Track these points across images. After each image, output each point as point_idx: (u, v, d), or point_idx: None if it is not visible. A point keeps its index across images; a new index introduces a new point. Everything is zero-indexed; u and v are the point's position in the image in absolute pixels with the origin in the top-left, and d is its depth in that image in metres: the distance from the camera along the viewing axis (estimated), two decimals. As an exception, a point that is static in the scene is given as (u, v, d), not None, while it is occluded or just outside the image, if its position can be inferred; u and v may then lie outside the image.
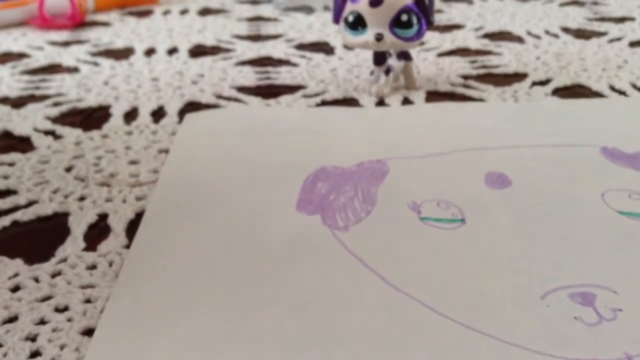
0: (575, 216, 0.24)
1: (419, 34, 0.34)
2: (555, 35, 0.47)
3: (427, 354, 0.18)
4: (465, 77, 0.39)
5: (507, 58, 0.42)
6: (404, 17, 0.33)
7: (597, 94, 0.36)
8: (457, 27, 0.50)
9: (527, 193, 0.25)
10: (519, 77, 0.39)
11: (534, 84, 0.38)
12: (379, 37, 0.33)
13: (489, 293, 0.20)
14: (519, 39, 0.46)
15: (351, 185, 0.26)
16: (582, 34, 0.47)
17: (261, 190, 0.26)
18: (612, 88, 0.37)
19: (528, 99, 0.35)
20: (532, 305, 0.19)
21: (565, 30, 0.48)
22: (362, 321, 0.19)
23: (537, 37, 0.47)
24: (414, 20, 0.33)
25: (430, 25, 0.34)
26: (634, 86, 0.37)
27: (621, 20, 0.51)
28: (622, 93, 0.36)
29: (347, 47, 0.44)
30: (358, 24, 0.34)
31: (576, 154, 0.28)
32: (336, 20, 0.35)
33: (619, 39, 0.46)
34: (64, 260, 0.22)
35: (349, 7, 0.34)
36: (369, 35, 0.34)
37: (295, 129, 0.31)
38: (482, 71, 0.40)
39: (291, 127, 0.31)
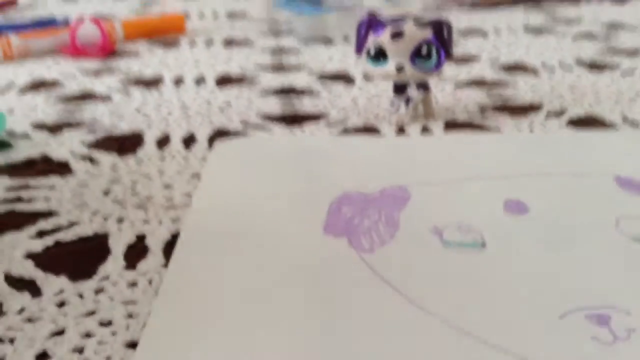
0: (591, 242, 0.25)
1: (439, 66, 0.36)
2: (569, 68, 0.48)
3: (452, 369, 0.19)
4: (482, 108, 0.40)
5: (522, 89, 0.43)
6: (424, 50, 0.35)
7: (611, 125, 0.37)
8: (473, 59, 0.51)
9: (544, 219, 0.26)
10: (534, 108, 0.40)
11: (549, 115, 0.39)
12: (400, 68, 0.35)
13: (511, 313, 0.21)
14: (534, 71, 0.48)
15: (374, 209, 0.27)
16: (595, 67, 0.49)
17: (289, 214, 0.27)
18: (625, 119, 0.38)
19: (543, 129, 0.36)
20: (552, 325, 0.20)
21: (579, 62, 0.50)
22: (390, 341, 0.20)
23: (552, 69, 0.48)
24: (434, 52, 0.35)
25: (450, 57, 0.36)
26: (647, 117, 0.38)
27: (634, 53, 0.52)
28: (635, 124, 0.37)
29: (367, 78, 0.45)
30: (380, 55, 0.35)
31: (591, 182, 0.29)
32: (359, 51, 0.37)
33: (632, 72, 0.47)
34: (106, 277, 0.23)
35: (371, 39, 0.36)
36: (390, 66, 0.35)
37: (320, 157, 0.32)
38: (498, 102, 0.41)
39: (315, 154, 0.33)
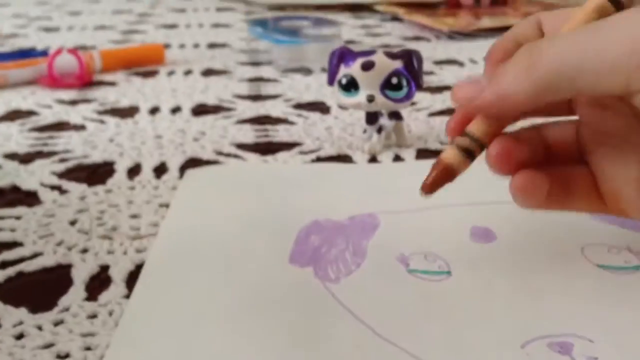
0: (556, 269, 0.25)
1: (409, 96, 0.36)
2: (543, 96, 0.49)
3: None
4: (455, 136, 0.40)
5: (495, 118, 0.44)
6: (394, 80, 0.35)
7: (581, 153, 0.37)
8: (448, 88, 0.52)
9: (510, 247, 0.26)
10: (506, 136, 0.40)
11: (521, 142, 0.39)
12: (371, 99, 0.35)
13: (473, 342, 0.21)
14: (508, 100, 0.48)
15: (343, 238, 0.27)
16: (568, 95, 0.49)
17: (257, 243, 0.27)
18: (596, 147, 0.38)
19: (515, 157, 0.37)
20: (514, 354, 0.20)
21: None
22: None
23: (525, 97, 0.49)
24: (404, 82, 0.35)
25: (420, 88, 0.36)
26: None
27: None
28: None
29: (342, 107, 0.46)
30: (351, 86, 0.36)
31: (557, 210, 0.29)
32: (330, 82, 0.37)
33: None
34: (67, 309, 0.23)
35: (342, 70, 0.36)
36: (361, 96, 0.35)
37: (291, 184, 0.32)
38: (471, 130, 0.41)
39: (287, 182, 0.33)
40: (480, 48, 0.66)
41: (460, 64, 0.60)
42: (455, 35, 0.71)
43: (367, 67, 0.35)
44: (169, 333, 0.21)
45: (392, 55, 0.36)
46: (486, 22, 0.77)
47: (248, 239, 0.27)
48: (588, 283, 0.24)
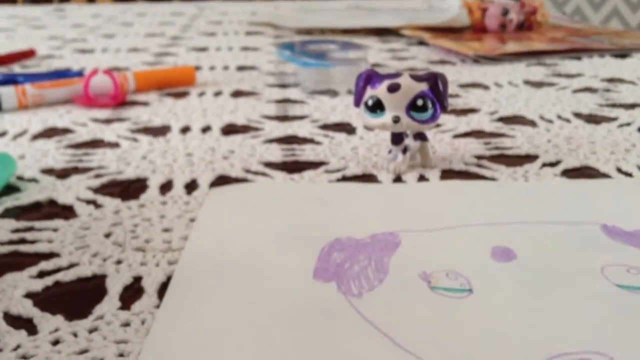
0: (576, 288, 0.25)
1: (434, 117, 0.37)
2: (567, 120, 0.49)
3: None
4: (479, 157, 0.41)
5: (519, 140, 0.44)
6: (420, 102, 0.36)
7: (605, 175, 0.38)
8: (472, 110, 0.53)
9: (531, 266, 0.27)
10: (530, 158, 0.41)
11: (544, 165, 0.40)
12: (396, 120, 0.36)
13: (494, 357, 0.21)
14: (532, 123, 0.49)
15: (365, 255, 0.28)
16: (593, 119, 0.50)
17: (280, 258, 0.28)
18: (619, 170, 0.39)
19: (538, 178, 0.37)
20: (533, 370, 0.21)
21: (577, 115, 0.51)
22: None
23: (550, 121, 0.49)
24: (429, 104, 0.36)
25: (445, 110, 0.37)
26: (641, 169, 0.39)
27: (631, 106, 0.53)
28: (628, 175, 0.38)
29: (367, 128, 0.47)
30: (377, 107, 0.37)
31: (578, 230, 0.30)
32: (357, 104, 0.38)
33: (628, 124, 0.48)
34: (101, 317, 0.24)
35: (368, 92, 0.37)
36: (387, 118, 0.36)
37: (315, 202, 0.33)
38: (495, 152, 0.42)
39: (311, 200, 0.34)
40: (505, 72, 0.67)
41: (485, 87, 0.61)
42: (480, 59, 0.72)
43: (393, 89, 0.36)
44: (196, 342, 0.22)
45: (417, 78, 0.36)
46: (512, 46, 0.78)
47: (272, 254, 0.28)
48: (608, 302, 0.24)
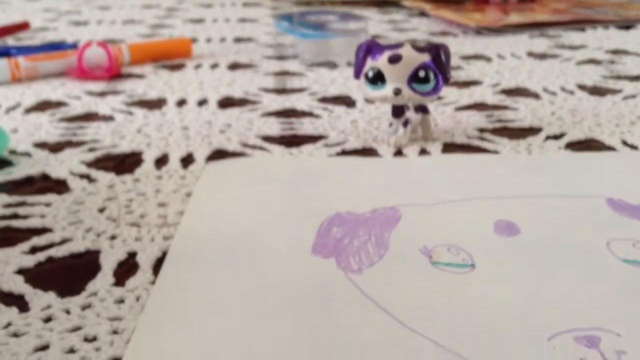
0: (581, 263, 0.24)
1: (436, 89, 0.36)
2: (571, 92, 0.48)
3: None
4: (481, 130, 0.40)
5: (522, 113, 0.43)
6: (422, 73, 0.35)
7: (610, 149, 0.37)
8: (475, 83, 0.51)
9: (534, 241, 0.26)
10: (533, 131, 0.40)
11: (548, 137, 0.39)
12: (397, 92, 0.35)
13: (498, 333, 0.21)
14: (535, 95, 0.48)
15: (365, 230, 0.27)
16: (597, 91, 0.49)
17: (278, 234, 0.27)
18: (625, 143, 0.38)
19: (541, 152, 0.36)
20: (539, 347, 0.20)
21: (581, 87, 0.50)
22: (375, 359, 0.20)
23: (553, 93, 0.48)
24: (431, 76, 0.35)
25: (447, 81, 0.36)
26: (646, 141, 0.38)
27: (636, 78, 0.52)
28: (634, 148, 0.37)
29: (368, 101, 0.46)
30: (378, 79, 0.36)
31: (583, 204, 0.29)
32: (357, 75, 0.37)
33: (633, 96, 0.47)
34: (94, 294, 0.23)
35: (369, 64, 0.36)
36: (387, 89, 0.35)
37: (314, 177, 0.33)
38: (497, 125, 0.41)
39: (310, 174, 0.33)
40: (508, 44, 0.65)
41: (487, 59, 0.59)
42: (482, 30, 0.71)
43: (395, 60, 0.35)
44: (192, 319, 0.22)
45: (419, 49, 0.35)
46: (514, 18, 0.76)
47: (270, 229, 0.27)
48: (614, 277, 0.23)
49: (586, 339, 0.20)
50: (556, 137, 0.39)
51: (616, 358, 0.20)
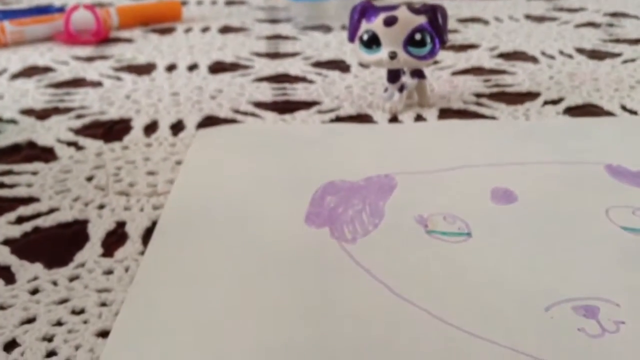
0: (580, 231, 0.24)
1: (432, 53, 0.35)
2: (570, 56, 0.47)
3: (428, 362, 0.18)
4: (478, 95, 0.39)
5: (520, 77, 0.43)
6: (418, 36, 0.34)
7: (609, 114, 0.36)
8: (472, 46, 0.50)
9: (532, 209, 0.25)
10: (531, 95, 0.39)
11: (546, 102, 0.38)
12: (393, 56, 0.34)
13: (494, 303, 0.20)
14: (533, 59, 0.47)
15: (359, 198, 0.26)
16: (596, 55, 0.48)
17: (271, 203, 0.26)
18: (624, 108, 0.37)
19: (539, 117, 0.36)
20: (537, 317, 0.20)
21: (580, 51, 0.49)
22: (369, 329, 0.19)
23: (552, 57, 0.47)
24: (428, 39, 0.34)
25: (444, 45, 0.35)
26: (646, 106, 0.37)
27: (636, 41, 0.51)
28: (633, 113, 0.36)
29: (362, 65, 0.45)
30: (373, 42, 0.35)
31: (581, 171, 0.28)
32: (351, 38, 0.36)
33: (632, 60, 0.46)
34: (82, 265, 0.23)
35: (364, 26, 0.35)
36: (383, 53, 0.34)
37: (307, 144, 0.32)
38: (495, 90, 0.40)
39: (303, 142, 0.32)
40: (505, 6, 0.64)
41: (485, 22, 0.58)
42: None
43: (390, 22, 0.34)
44: (183, 290, 0.21)
45: (416, 11, 0.34)
46: (512, -21, 0.75)
47: (262, 198, 0.27)
48: (612, 246, 0.23)
49: (584, 309, 0.20)
50: (554, 102, 0.38)
51: (615, 328, 0.19)
